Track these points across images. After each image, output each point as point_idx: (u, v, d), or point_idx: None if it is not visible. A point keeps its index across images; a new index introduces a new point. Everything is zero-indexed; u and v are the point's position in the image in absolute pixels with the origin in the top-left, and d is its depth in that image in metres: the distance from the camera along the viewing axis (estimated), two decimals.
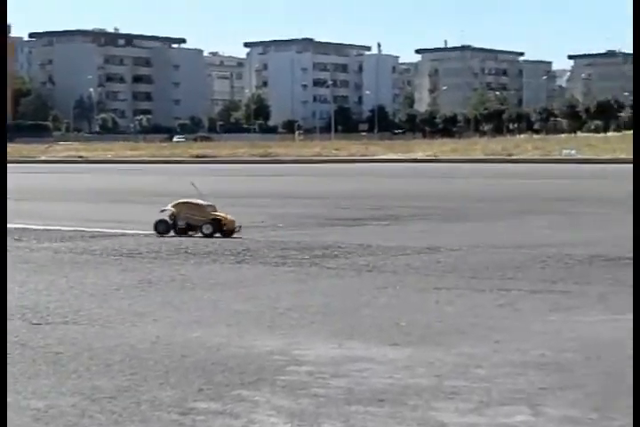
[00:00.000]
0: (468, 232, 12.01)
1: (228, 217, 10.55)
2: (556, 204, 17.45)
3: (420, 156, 50.06)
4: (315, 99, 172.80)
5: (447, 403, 3.91)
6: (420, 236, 11.41)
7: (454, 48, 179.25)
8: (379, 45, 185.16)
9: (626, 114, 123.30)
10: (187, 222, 10.46)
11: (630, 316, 5.84)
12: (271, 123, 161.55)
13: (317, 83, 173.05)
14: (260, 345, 4.97)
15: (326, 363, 4.57)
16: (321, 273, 7.71)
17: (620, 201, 18.06)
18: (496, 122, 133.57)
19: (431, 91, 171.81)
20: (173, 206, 10.59)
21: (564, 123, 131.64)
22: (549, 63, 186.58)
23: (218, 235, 10.34)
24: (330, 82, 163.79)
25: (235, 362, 4.59)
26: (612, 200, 18.40)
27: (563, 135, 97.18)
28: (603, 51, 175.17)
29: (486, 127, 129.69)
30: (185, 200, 10.73)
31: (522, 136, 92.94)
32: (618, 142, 58.01)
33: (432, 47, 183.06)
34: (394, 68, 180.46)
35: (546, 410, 3.83)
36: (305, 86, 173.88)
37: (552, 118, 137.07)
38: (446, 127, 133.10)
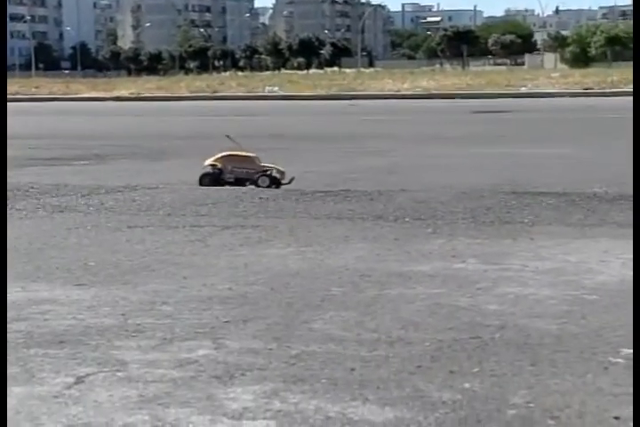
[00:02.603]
0: (168, 170, 11.99)
1: (279, 168, 9.66)
2: (258, 140, 17.64)
3: (123, 94, 49.25)
4: (12, 35, 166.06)
5: (130, 341, 3.90)
6: (118, 175, 11.27)
7: None
8: None
9: (326, 51, 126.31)
10: (236, 177, 9.50)
11: (318, 247, 6.02)
12: None
13: (14, 18, 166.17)
14: None
15: (7, 307, 4.43)
16: (10, 215, 7.45)
17: (319, 136, 18.55)
18: (202, 59, 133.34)
19: (134, 27, 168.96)
20: (217, 161, 9.55)
21: (269, 60, 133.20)
22: (252, 1, 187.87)
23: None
24: (28, 17, 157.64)
25: None
26: (309, 136, 18.84)
27: (267, 72, 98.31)
28: None
29: (192, 65, 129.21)
30: (229, 153, 9.65)
31: (227, 73, 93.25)
32: (319, 79, 59.44)
33: None
34: (95, 3, 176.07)
35: (228, 343, 3.89)
36: None
37: (256, 56, 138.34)
38: (151, 65, 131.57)
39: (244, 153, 9.70)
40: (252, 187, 9.27)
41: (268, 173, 9.49)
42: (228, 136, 9.85)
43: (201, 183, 9.50)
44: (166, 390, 3.31)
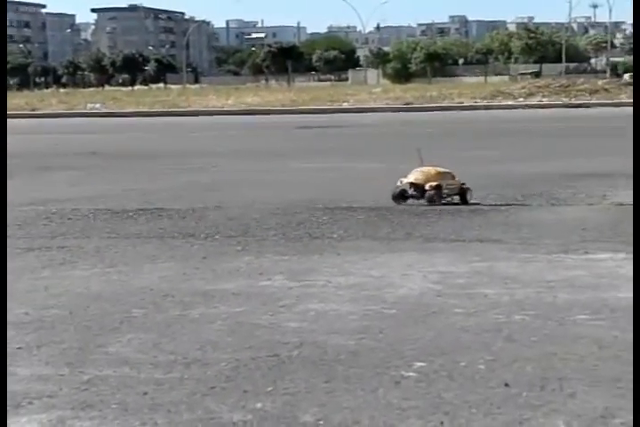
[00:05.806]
0: None
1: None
2: (75, 158, 17.33)
3: None
4: None
5: None
6: None
7: None
8: None
9: (151, 67, 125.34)
10: (447, 193, 9.21)
11: (124, 268, 5.92)
12: None
13: None
14: None
15: None
16: None
17: (139, 154, 18.32)
18: (22, 76, 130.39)
19: None
20: (435, 179, 9.13)
21: (92, 76, 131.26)
22: (73, 16, 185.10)
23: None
24: None
25: None
26: (130, 153, 18.59)
27: (90, 89, 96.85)
28: (125, 5, 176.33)
29: (11, 81, 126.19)
30: (439, 170, 9.34)
31: (49, 90, 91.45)
32: (143, 96, 58.89)
33: None
34: None
35: (18, 370, 3.76)
36: None
37: (79, 72, 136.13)
38: None
39: (445, 170, 9.53)
40: (62, 207, 9.06)
41: (466, 186, 9.42)
42: (418, 150, 9.60)
43: (431, 202, 9.12)
44: None
